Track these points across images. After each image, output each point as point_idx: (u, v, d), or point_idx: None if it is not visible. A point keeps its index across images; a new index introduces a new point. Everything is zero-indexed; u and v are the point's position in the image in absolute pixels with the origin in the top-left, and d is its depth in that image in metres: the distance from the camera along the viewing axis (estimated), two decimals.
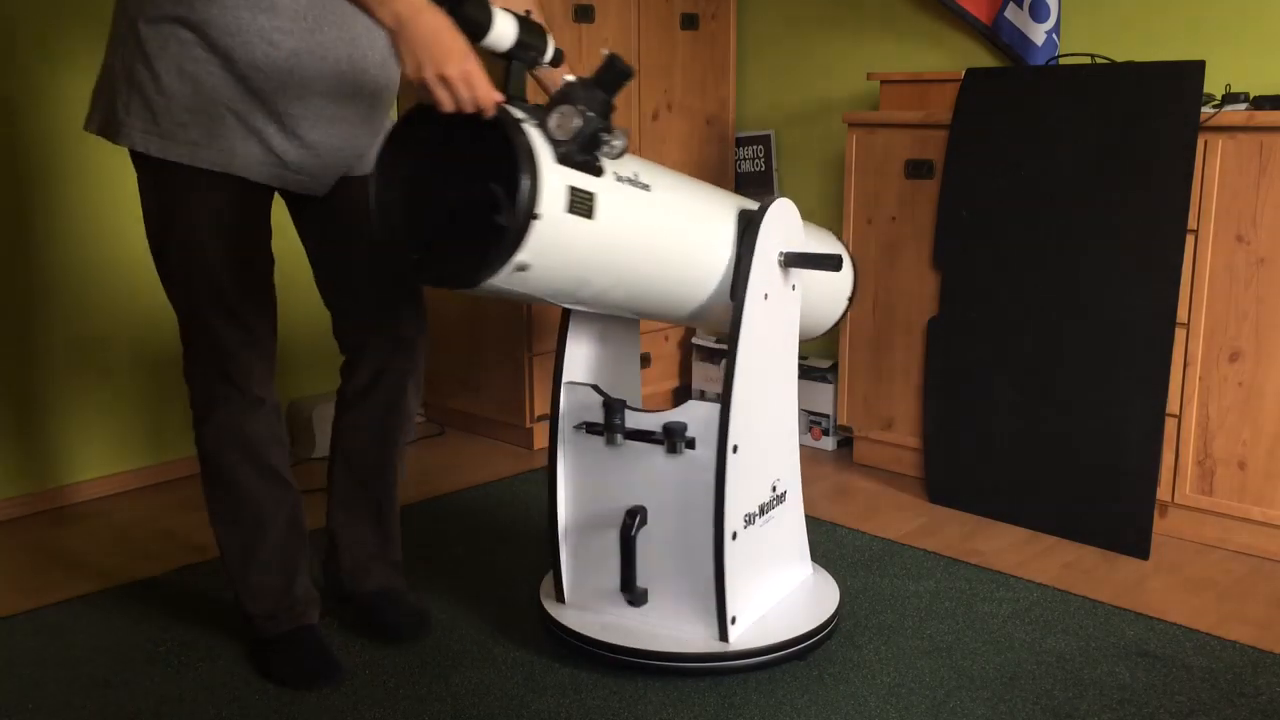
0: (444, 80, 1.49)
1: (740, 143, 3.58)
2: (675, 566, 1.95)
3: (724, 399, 1.87)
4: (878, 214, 2.91)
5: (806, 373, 3.24)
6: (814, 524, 2.67)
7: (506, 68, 1.64)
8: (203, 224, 1.76)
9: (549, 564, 2.17)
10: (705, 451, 1.89)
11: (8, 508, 2.71)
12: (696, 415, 1.89)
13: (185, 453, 2.99)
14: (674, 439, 1.89)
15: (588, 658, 1.97)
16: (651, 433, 1.93)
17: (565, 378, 2.00)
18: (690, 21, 3.40)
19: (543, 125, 1.58)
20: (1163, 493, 2.53)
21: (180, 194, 1.75)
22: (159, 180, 1.76)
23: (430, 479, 2.97)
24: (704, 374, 3.47)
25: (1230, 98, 2.42)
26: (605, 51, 1.65)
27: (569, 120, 1.57)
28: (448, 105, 1.51)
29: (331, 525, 2.13)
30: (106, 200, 2.76)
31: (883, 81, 2.93)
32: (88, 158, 2.72)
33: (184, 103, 1.69)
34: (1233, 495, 2.45)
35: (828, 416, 3.20)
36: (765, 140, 3.51)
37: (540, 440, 3.24)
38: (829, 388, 3.18)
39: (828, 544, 2.54)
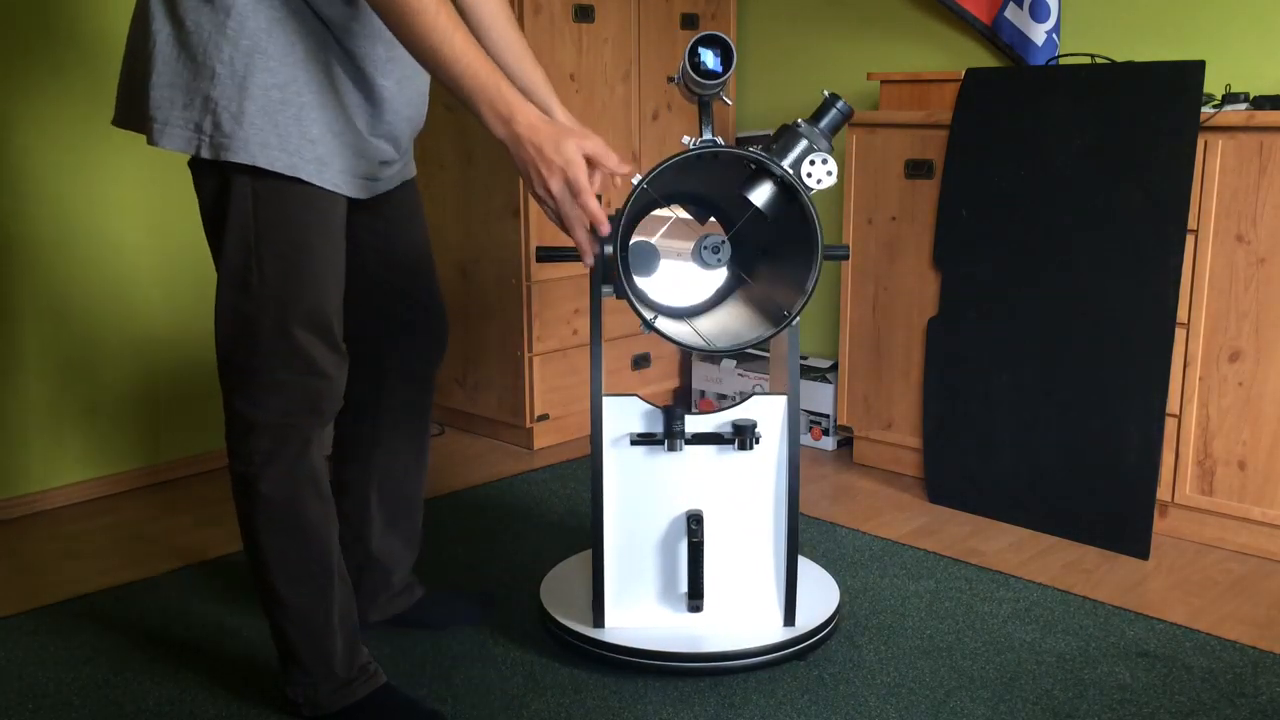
0: (549, 199, 1.59)
1: (741, 143, 3.58)
2: (729, 565, 1.99)
3: (791, 391, 1.96)
4: (878, 214, 2.91)
5: (806, 373, 3.24)
6: (814, 524, 2.67)
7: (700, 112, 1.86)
8: (312, 236, 1.62)
9: (593, 585, 2.13)
10: (770, 444, 1.95)
11: (8, 508, 2.71)
12: (753, 411, 1.96)
13: (183, 453, 3.00)
14: (745, 436, 1.93)
15: (636, 669, 1.95)
16: (716, 434, 1.95)
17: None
18: (690, 21, 3.40)
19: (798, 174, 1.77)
20: (1163, 493, 2.53)
21: (291, 207, 1.60)
22: (261, 192, 1.58)
23: (430, 479, 2.96)
24: (704, 374, 3.46)
25: (1230, 98, 2.42)
26: (826, 92, 1.82)
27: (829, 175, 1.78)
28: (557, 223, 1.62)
29: (377, 554, 2.02)
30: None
31: (883, 81, 2.93)
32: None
33: (313, 114, 1.58)
34: (1233, 495, 2.45)
35: (828, 416, 3.20)
36: (765, 140, 3.51)
37: (540, 440, 3.24)
38: (829, 388, 3.18)
39: (828, 544, 2.54)
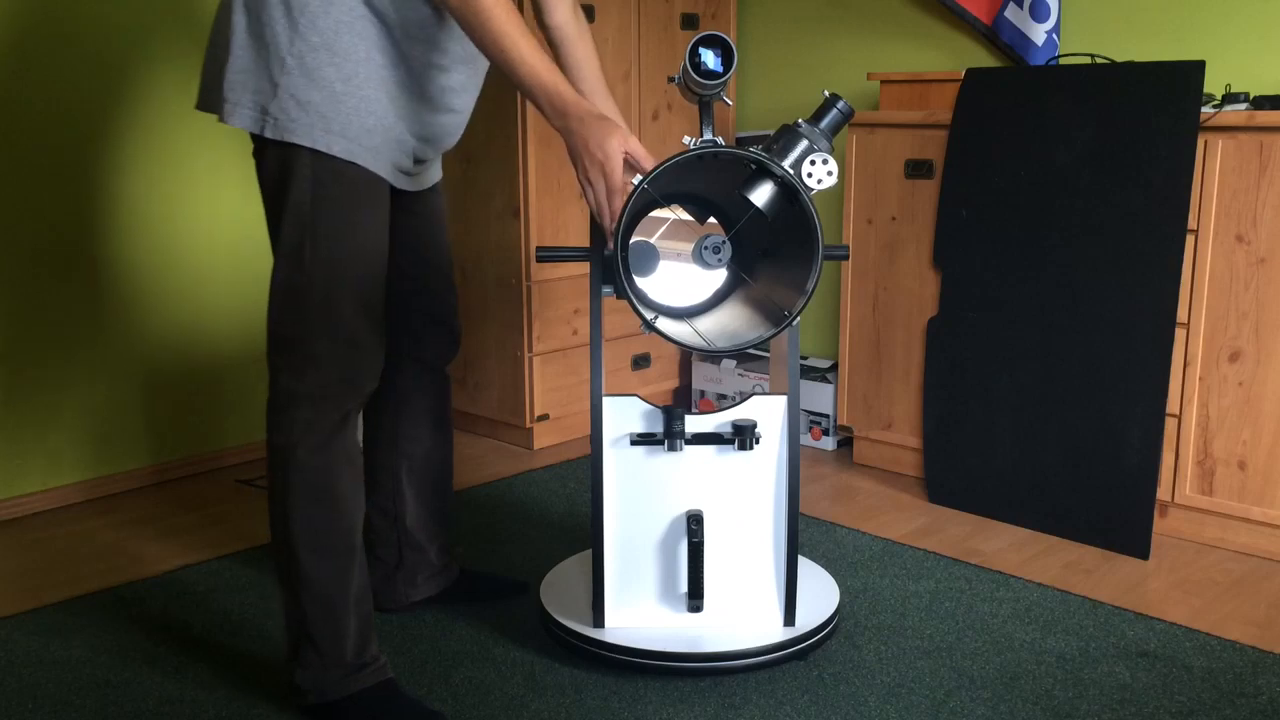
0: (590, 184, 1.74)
1: (741, 143, 3.58)
2: (729, 565, 1.99)
3: (791, 391, 1.97)
4: (878, 214, 2.91)
5: (806, 373, 3.24)
6: (814, 524, 2.67)
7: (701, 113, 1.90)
8: (362, 217, 1.76)
9: (593, 585, 2.13)
10: (770, 444, 1.96)
11: (7, 508, 2.72)
12: (753, 411, 1.97)
13: (185, 453, 3.00)
14: (745, 436, 1.94)
15: (636, 669, 1.95)
16: (716, 434, 1.96)
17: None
18: (690, 21, 3.40)
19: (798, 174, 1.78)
20: (1163, 493, 2.53)
21: (346, 189, 1.74)
22: (320, 174, 1.72)
23: None
24: (704, 374, 3.47)
25: (1230, 98, 2.42)
26: (827, 92, 1.86)
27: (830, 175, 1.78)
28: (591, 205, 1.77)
29: (411, 530, 2.15)
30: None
31: (883, 81, 2.93)
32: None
33: (370, 108, 1.74)
34: (1233, 495, 2.45)
35: (828, 416, 3.20)
36: (765, 140, 3.51)
37: (540, 440, 3.24)
38: (829, 388, 3.18)
39: (828, 544, 2.54)
